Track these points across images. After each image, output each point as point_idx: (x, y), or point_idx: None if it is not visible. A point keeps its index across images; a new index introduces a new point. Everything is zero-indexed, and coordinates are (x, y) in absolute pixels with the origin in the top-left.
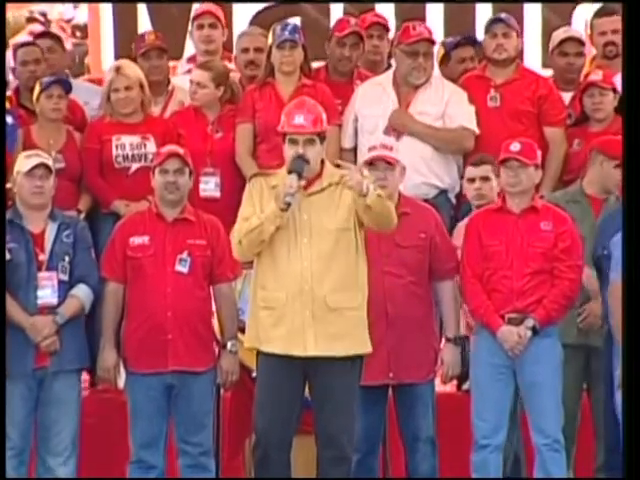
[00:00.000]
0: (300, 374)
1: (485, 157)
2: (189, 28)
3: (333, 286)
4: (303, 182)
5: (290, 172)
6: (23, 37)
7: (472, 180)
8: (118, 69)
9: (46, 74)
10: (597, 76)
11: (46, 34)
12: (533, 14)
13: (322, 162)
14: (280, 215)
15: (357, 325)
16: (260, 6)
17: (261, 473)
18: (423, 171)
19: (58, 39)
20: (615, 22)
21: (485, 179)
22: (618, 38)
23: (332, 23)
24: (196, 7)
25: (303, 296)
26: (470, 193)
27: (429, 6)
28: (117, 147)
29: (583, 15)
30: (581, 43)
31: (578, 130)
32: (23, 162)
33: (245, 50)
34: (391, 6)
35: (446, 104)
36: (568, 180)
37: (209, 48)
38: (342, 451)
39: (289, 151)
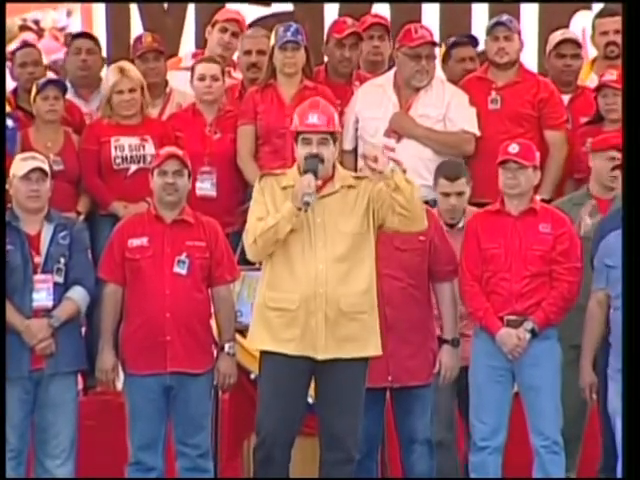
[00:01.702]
0: (307, 375)
1: (458, 167)
2: (208, 28)
3: (347, 290)
4: (319, 182)
5: (306, 172)
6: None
7: (447, 195)
8: (122, 70)
9: (44, 76)
10: (611, 76)
11: (86, 35)
12: (529, 15)
13: (333, 164)
14: (297, 214)
15: (368, 328)
16: (253, 10)
17: (262, 473)
18: (423, 173)
19: (97, 41)
20: (617, 23)
21: (460, 194)
22: (620, 38)
23: (326, 31)
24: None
25: (317, 299)
26: (443, 206)
27: (425, 6)
28: (116, 148)
29: (581, 23)
30: (578, 45)
31: (591, 129)
32: (19, 165)
33: (247, 52)
34: (387, 7)
35: (447, 107)
36: (579, 179)
37: (225, 54)
38: (348, 453)
39: (302, 151)
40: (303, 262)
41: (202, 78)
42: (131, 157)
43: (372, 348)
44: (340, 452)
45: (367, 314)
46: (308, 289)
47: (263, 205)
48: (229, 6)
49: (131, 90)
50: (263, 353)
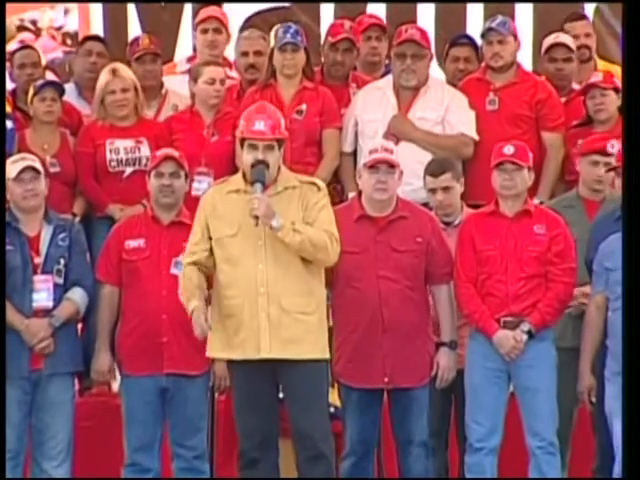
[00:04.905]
0: (269, 374)
1: (442, 163)
2: (188, 31)
3: (288, 289)
4: (265, 194)
5: (254, 182)
6: (14, 45)
7: (433, 191)
8: (114, 71)
9: (43, 77)
10: (597, 77)
11: (97, 38)
12: (524, 15)
13: (278, 167)
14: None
15: (312, 330)
16: (250, 9)
17: (248, 476)
18: (422, 176)
19: (107, 45)
20: (586, 26)
21: (446, 189)
22: (590, 41)
23: (322, 28)
24: (188, 7)
25: (259, 298)
26: (432, 204)
27: (420, 7)
28: (111, 151)
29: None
30: (570, 49)
31: (582, 131)
32: (10, 168)
33: (244, 54)
34: (382, 7)
35: (446, 109)
36: (571, 181)
37: (213, 53)
38: (316, 450)
39: (248, 156)
40: (244, 263)
41: (212, 82)
42: (126, 160)
43: (318, 351)
44: (309, 450)
45: (312, 315)
46: (250, 289)
47: (198, 226)
48: (229, 6)
49: (123, 90)
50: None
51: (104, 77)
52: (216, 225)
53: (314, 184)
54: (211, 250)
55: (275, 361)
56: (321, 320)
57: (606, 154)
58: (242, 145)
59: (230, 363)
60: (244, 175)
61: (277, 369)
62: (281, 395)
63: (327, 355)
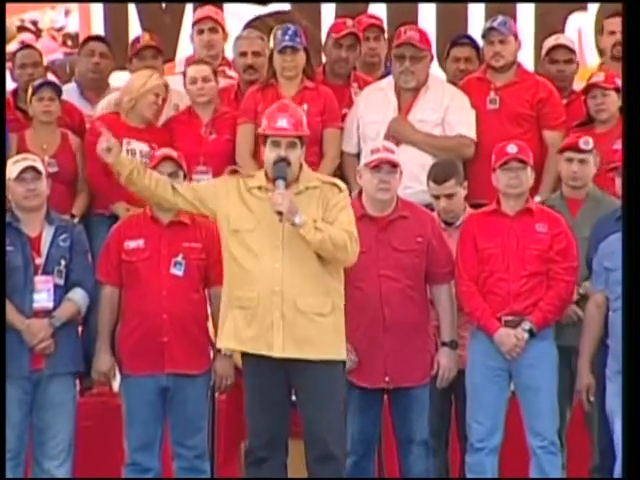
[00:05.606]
0: (282, 374)
1: (446, 169)
2: (190, 32)
3: (304, 289)
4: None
5: (276, 178)
6: (15, 45)
7: (436, 197)
8: (167, 86)
9: (44, 77)
10: (599, 77)
11: (100, 38)
12: (526, 15)
13: (300, 166)
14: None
15: (327, 331)
16: (251, 12)
17: (254, 474)
18: (422, 179)
19: (110, 46)
20: None
21: (450, 196)
22: None
23: (323, 31)
24: (189, 7)
25: (274, 297)
26: (436, 208)
27: (421, 7)
28: (128, 151)
29: (576, 23)
30: (571, 51)
31: (583, 131)
32: (11, 168)
33: (243, 54)
34: (383, 7)
35: (446, 110)
36: None
37: (210, 53)
38: (327, 450)
39: (270, 154)
40: (260, 261)
41: (194, 81)
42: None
43: (333, 351)
44: (319, 450)
45: (327, 317)
46: (265, 287)
47: (213, 184)
48: (228, 6)
49: (163, 100)
50: (242, 354)
51: (157, 81)
52: (236, 216)
53: (335, 185)
54: (191, 204)
55: (289, 361)
56: (337, 321)
57: (579, 150)
58: (264, 143)
59: (244, 359)
60: (266, 173)
61: (290, 370)
62: (294, 398)
63: (343, 356)
